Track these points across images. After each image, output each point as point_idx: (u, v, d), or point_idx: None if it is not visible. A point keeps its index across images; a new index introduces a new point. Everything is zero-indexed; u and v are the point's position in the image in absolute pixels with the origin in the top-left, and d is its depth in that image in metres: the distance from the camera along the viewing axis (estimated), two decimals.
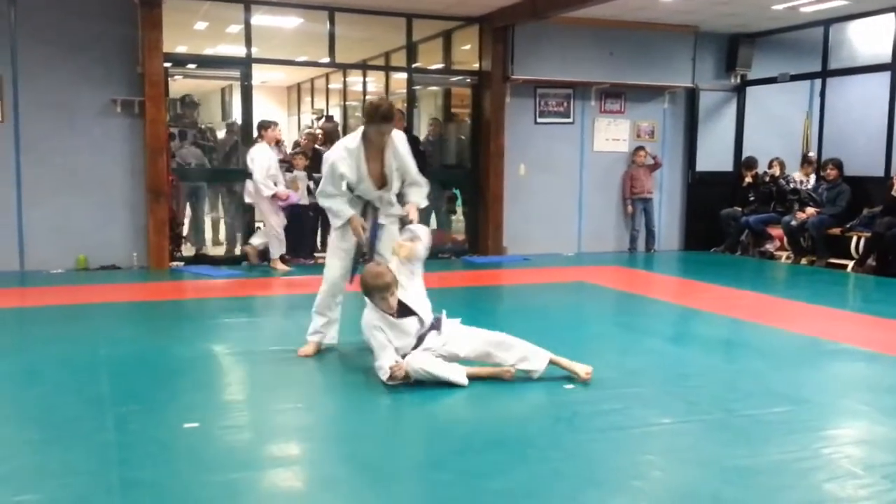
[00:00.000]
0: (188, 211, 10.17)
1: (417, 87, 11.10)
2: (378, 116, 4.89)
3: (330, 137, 10.40)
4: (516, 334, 4.57)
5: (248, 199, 9.24)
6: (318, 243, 9.88)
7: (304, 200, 9.42)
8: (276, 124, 9.57)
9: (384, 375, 4.39)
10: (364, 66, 12.86)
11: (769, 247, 10.62)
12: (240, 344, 5.73)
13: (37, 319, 6.52)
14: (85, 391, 4.33)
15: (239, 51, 9.83)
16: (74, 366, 4.86)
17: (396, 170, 5.09)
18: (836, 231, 9.68)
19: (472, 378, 4.47)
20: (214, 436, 3.69)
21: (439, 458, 3.46)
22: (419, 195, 5.17)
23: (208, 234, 10.49)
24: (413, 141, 10.13)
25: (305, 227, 9.72)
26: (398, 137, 5.08)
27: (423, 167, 9.49)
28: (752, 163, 11.08)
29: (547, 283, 8.52)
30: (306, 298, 7.74)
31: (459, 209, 11.33)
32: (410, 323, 4.53)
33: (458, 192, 11.25)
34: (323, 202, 5.19)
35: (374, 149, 5.03)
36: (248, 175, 9.05)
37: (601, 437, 3.69)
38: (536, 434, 3.72)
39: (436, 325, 4.61)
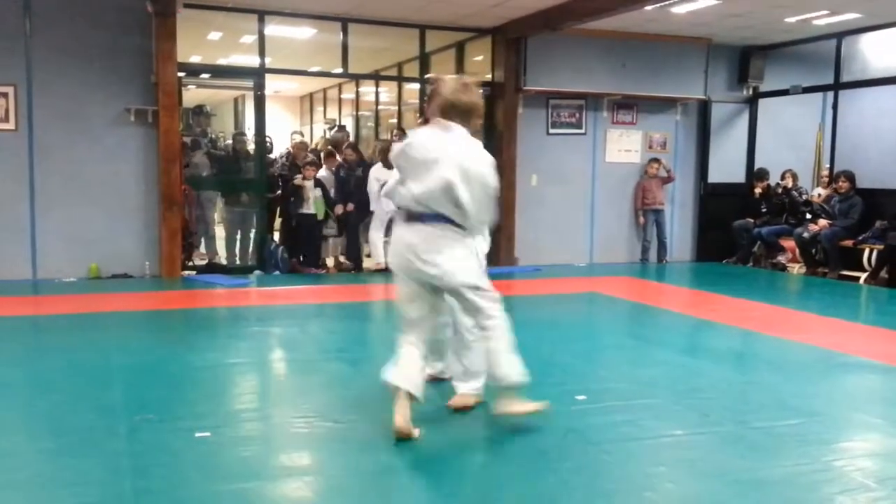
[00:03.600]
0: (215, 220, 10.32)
1: None
2: None
3: (339, 147, 10.51)
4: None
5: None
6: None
7: (313, 210, 9.48)
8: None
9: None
10: (377, 77, 12.92)
11: (781, 258, 10.58)
12: (251, 353, 5.75)
13: (49, 328, 6.56)
14: (97, 400, 4.35)
15: (252, 61, 9.88)
16: (87, 374, 4.89)
17: None
18: (849, 243, 9.63)
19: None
20: (226, 445, 3.70)
21: (450, 469, 3.45)
22: None
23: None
24: None
25: (315, 238, 9.78)
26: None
27: None
28: (762, 174, 11.06)
29: (559, 293, 8.51)
30: (318, 308, 7.82)
31: None
32: None
33: None
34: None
35: None
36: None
37: (613, 449, 3.68)
38: (547, 445, 3.71)
39: None
